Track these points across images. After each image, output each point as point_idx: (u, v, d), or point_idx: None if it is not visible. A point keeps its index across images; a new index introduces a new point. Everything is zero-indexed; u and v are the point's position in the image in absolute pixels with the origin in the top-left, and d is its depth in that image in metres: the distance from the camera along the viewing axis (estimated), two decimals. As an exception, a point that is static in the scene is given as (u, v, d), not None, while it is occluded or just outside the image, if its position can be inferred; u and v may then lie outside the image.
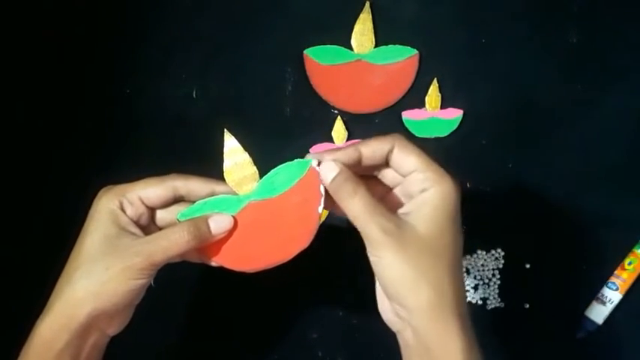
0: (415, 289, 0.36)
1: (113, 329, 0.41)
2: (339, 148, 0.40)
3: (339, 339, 0.58)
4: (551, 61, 0.57)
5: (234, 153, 0.42)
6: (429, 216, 0.37)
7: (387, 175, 0.41)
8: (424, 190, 0.38)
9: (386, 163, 0.40)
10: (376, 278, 0.39)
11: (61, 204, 0.54)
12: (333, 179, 0.38)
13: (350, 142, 0.57)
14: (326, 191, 0.40)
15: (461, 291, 0.37)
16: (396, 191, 0.41)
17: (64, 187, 0.56)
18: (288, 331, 0.58)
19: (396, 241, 0.36)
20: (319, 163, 0.39)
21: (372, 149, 0.39)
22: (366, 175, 0.41)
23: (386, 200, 0.40)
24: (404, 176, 0.39)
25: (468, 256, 0.58)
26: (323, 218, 0.58)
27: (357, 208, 0.37)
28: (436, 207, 0.37)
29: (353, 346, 0.58)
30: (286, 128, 0.58)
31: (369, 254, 0.38)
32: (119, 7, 0.58)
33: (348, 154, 0.39)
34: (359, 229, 0.38)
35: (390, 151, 0.39)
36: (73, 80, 0.58)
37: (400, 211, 0.39)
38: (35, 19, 0.58)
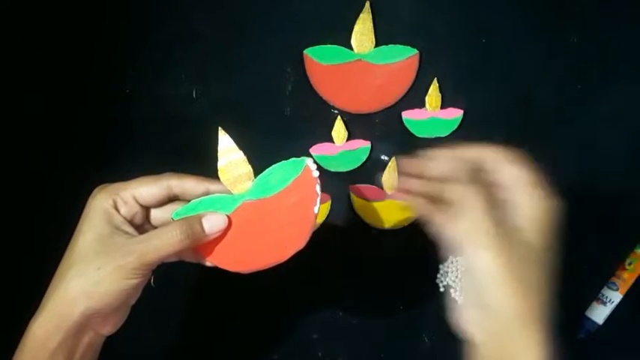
0: (514, 295, 0.36)
1: (108, 329, 0.41)
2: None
3: (339, 339, 0.58)
4: (551, 61, 0.57)
5: (228, 151, 0.42)
6: (539, 228, 0.38)
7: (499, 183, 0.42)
8: (533, 202, 0.39)
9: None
10: (470, 282, 0.39)
11: (60, 203, 0.54)
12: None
13: (352, 141, 0.57)
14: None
15: (549, 305, 0.39)
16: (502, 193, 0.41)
17: (64, 186, 0.56)
18: (288, 331, 0.58)
19: (504, 244, 0.37)
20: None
21: (489, 159, 0.40)
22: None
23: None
24: (512, 183, 0.40)
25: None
26: (323, 219, 0.58)
27: (478, 203, 0.38)
28: (545, 221, 0.39)
29: (353, 346, 0.58)
30: (286, 128, 0.58)
31: (469, 255, 0.38)
32: (119, 7, 0.57)
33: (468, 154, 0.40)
34: (463, 235, 0.38)
35: (499, 161, 0.40)
36: (73, 80, 0.58)
37: (508, 216, 0.39)
38: (35, 19, 0.58)
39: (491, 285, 0.37)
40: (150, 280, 0.41)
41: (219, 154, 0.42)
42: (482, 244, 0.37)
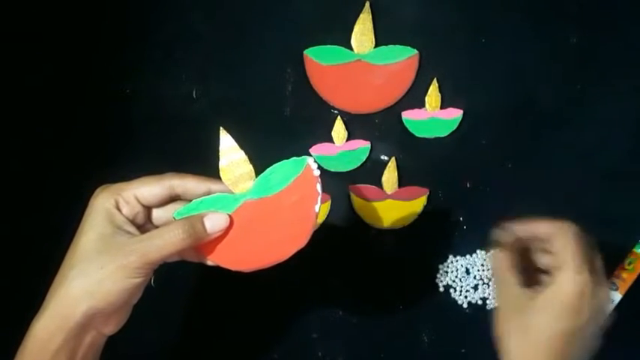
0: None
1: (110, 329, 0.41)
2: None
3: (339, 339, 0.58)
4: (551, 61, 0.57)
5: (229, 151, 0.42)
6: (548, 302, 0.40)
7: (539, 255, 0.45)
8: (555, 273, 0.40)
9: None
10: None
11: (60, 203, 0.54)
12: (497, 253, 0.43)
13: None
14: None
15: None
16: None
17: (64, 186, 0.56)
18: (288, 331, 0.58)
19: (517, 308, 0.40)
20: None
21: (544, 231, 0.43)
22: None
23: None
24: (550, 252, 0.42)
25: (468, 256, 0.58)
26: (323, 218, 0.58)
27: (501, 264, 0.42)
28: (556, 297, 0.40)
29: (353, 346, 0.58)
30: (286, 128, 0.58)
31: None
32: (119, 7, 0.57)
33: (527, 230, 0.44)
34: (494, 282, 0.42)
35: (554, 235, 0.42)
36: (73, 80, 0.58)
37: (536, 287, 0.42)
38: (35, 18, 0.58)
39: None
40: (150, 280, 0.41)
41: (220, 153, 0.42)
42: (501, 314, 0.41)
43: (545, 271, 0.44)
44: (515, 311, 0.41)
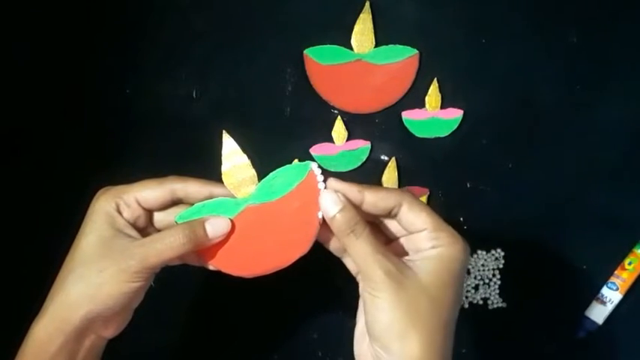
0: (405, 336, 0.35)
1: (110, 332, 0.40)
2: (342, 182, 0.39)
3: (339, 339, 0.58)
4: (551, 61, 0.57)
5: (233, 155, 0.42)
6: (434, 270, 0.37)
7: (389, 227, 0.41)
8: (433, 247, 0.37)
9: (387, 215, 0.40)
10: (362, 318, 0.39)
11: (60, 204, 0.54)
12: (336, 215, 0.38)
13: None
14: (323, 220, 0.39)
15: (449, 350, 0.37)
16: (399, 242, 0.41)
17: (64, 187, 0.56)
18: (288, 331, 0.58)
19: (397, 284, 0.36)
20: (325, 179, 0.39)
21: (377, 198, 0.39)
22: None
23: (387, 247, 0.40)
24: (411, 232, 0.39)
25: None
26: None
27: (363, 247, 0.37)
28: (443, 264, 0.37)
29: (353, 347, 0.58)
30: (286, 128, 0.58)
31: (362, 292, 0.38)
32: (119, 7, 0.57)
33: (352, 194, 0.39)
34: (358, 266, 0.37)
35: (398, 207, 0.39)
36: (73, 80, 0.58)
37: (404, 258, 0.39)
38: (34, 18, 0.58)
39: (383, 323, 0.36)
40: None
41: (223, 157, 0.42)
42: (378, 281, 0.36)
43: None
44: (396, 293, 0.36)
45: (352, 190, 0.39)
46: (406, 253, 0.40)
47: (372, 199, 0.39)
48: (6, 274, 0.57)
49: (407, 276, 0.36)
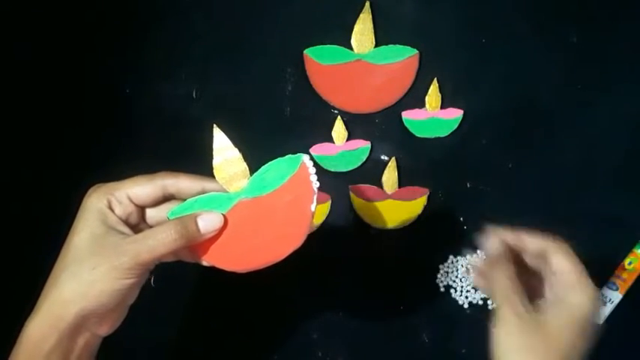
0: None
1: (104, 329, 0.40)
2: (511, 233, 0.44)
3: (339, 339, 0.58)
4: (551, 61, 0.57)
5: (223, 149, 0.41)
6: (566, 322, 0.39)
7: (527, 258, 0.44)
8: (567, 294, 0.40)
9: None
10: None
11: (59, 203, 0.54)
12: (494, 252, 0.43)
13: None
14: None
15: None
16: (536, 279, 0.43)
17: (63, 186, 0.56)
18: (289, 331, 0.58)
19: (526, 328, 0.38)
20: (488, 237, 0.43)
21: (536, 247, 0.42)
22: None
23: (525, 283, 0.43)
24: (552, 273, 0.41)
25: (469, 256, 0.58)
26: (323, 219, 0.58)
27: (503, 283, 0.40)
28: (575, 317, 0.39)
29: (353, 347, 0.58)
30: (286, 128, 0.58)
31: (494, 327, 0.40)
32: (119, 7, 0.57)
33: (518, 242, 0.43)
34: (495, 301, 0.40)
35: (548, 251, 0.42)
36: (73, 80, 0.58)
37: (539, 302, 0.41)
38: (35, 19, 0.58)
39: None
40: (150, 280, 0.41)
41: (214, 151, 0.41)
42: (508, 320, 0.39)
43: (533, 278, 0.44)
44: (520, 331, 0.39)
45: (518, 240, 0.43)
46: (540, 291, 0.43)
47: (532, 247, 0.43)
48: (5, 274, 0.56)
49: (537, 323, 0.39)
